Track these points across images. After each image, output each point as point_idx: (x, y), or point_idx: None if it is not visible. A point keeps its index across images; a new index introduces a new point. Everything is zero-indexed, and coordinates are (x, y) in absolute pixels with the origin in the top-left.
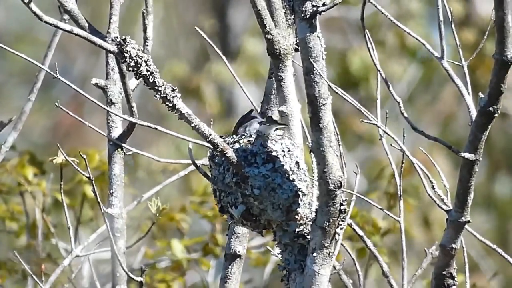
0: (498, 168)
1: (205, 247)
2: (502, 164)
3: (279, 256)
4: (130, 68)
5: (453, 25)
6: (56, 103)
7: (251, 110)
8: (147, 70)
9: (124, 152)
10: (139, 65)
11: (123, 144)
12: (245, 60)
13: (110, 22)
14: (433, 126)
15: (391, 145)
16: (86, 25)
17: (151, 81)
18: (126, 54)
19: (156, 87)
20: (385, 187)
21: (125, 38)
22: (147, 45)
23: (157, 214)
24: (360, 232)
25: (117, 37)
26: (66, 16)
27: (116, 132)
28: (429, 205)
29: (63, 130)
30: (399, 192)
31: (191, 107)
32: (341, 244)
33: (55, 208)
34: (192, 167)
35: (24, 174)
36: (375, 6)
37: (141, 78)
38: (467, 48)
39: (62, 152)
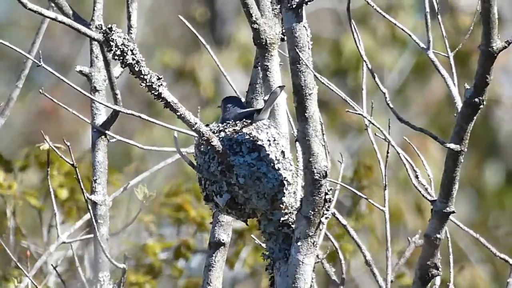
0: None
1: (176, 251)
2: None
3: (264, 245)
4: (116, 57)
5: (439, 16)
6: (40, 90)
7: (235, 97)
8: (133, 59)
9: (107, 140)
10: (125, 54)
11: (106, 131)
12: (236, 49)
13: (94, 9)
14: (423, 116)
15: (375, 134)
16: (71, 12)
17: (137, 69)
18: (112, 43)
19: (142, 76)
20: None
21: (111, 27)
22: (131, 33)
23: (144, 201)
24: (344, 222)
25: (101, 25)
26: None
27: (100, 119)
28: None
29: (41, 117)
30: (384, 182)
31: (186, 90)
32: (325, 233)
33: (25, 210)
34: (178, 155)
35: None
36: None
37: (127, 67)
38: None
39: (46, 140)
